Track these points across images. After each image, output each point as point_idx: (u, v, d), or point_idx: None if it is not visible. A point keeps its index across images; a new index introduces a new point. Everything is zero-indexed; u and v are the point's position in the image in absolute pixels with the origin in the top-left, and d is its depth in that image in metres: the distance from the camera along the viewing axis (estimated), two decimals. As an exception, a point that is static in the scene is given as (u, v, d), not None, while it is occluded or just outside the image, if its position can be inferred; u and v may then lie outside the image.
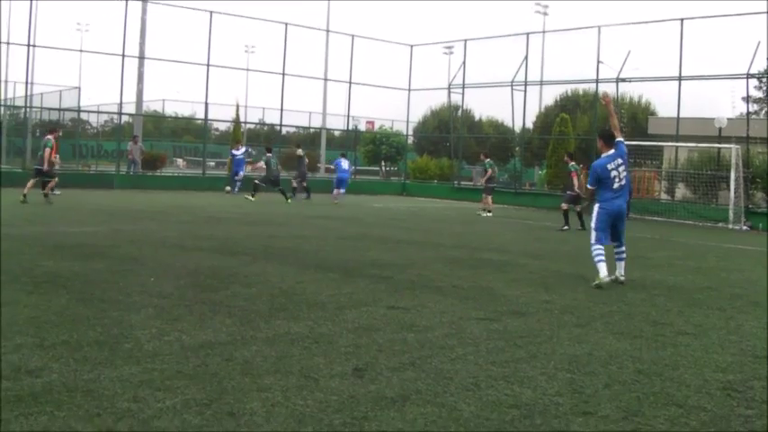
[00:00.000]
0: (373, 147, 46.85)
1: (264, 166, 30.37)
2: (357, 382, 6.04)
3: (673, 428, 5.41)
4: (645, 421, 5.51)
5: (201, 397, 5.47)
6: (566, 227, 23.11)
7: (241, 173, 34.16)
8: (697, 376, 6.84)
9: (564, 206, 23.75)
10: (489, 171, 29.85)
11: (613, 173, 12.12)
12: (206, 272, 11.19)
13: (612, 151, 12.35)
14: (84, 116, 44.03)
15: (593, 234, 12.22)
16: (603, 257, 11.84)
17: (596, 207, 12.26)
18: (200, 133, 43.60)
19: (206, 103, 37.97)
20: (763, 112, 59.12)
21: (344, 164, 33.18)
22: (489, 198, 29.17)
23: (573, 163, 24.40)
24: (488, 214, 28.29)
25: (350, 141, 45.19)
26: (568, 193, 24.10)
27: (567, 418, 5.47)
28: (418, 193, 40.45)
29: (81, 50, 36.60)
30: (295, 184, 33.35)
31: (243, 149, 35.36)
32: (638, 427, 5.38)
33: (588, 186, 12.39)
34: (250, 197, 28.50)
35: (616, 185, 12.14)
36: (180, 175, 39.44)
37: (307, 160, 34.19)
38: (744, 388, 6.53)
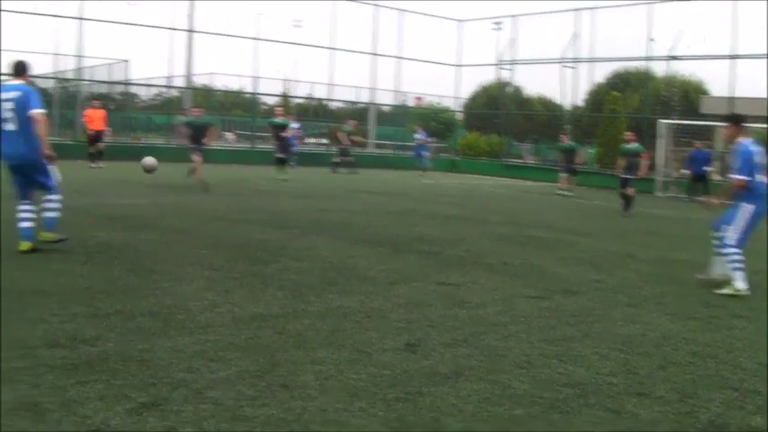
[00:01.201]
0: (422, 123, 46.66)
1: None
2: (410, 357, 6.04)
3: (728, 411, 5.35)
4: (700, 404, 5.46)
5: (255, 369, 5.49)
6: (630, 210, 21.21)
7: (293, 147, 34.42)
8: (752, 360, 6.76)
9: (632, 191, 21.39)
10: (581, 152, 29.99)
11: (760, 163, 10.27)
12: (256, 245, 11.22)
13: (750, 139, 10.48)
14: (133, 89, 44.19)
15: (734, 235, 10.11)
16: (743, 265, 10.07)
17: (745, 204, 10.14)
18: (248, 107, 43.64)
19: (255, 78, 38.04)
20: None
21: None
22: (573, 179, 28.92)
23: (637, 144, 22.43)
24: (570, 194, 27.76)
25: (398, 117, 45.09)
26: (630, 177, 21.52)
27: (621, 399, 5.43)
28: (467, 170, 40.23)
29: (130, 24, 36.68)
30: (337, 160, 33.50)
31: (297, 125, 35.45)
32: (693, 410, 5.33)
33: (739, 177, 10.08)
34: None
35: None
36: (229, 148, 39.52)
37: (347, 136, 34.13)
38: (801, 372, 6.44)
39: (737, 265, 9.95)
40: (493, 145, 42.93)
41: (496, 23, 46.24)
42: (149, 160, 16.46)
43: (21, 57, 10.56)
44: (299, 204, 17.64)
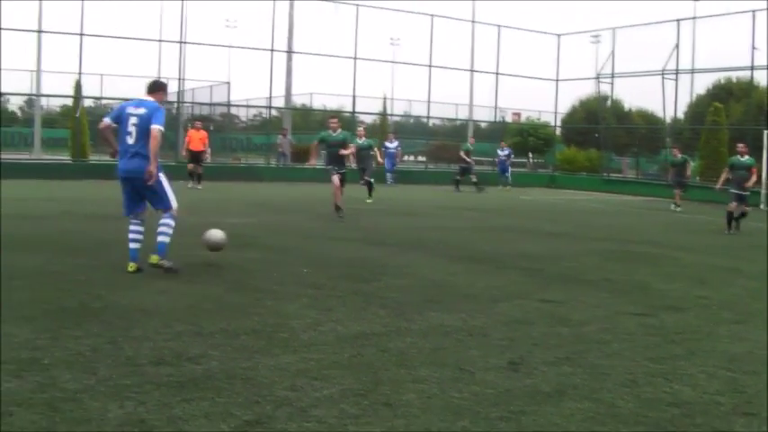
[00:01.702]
0: (520, 138, 46.41)
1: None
2: (513, 376, 6.01)
3: (843, 433, 5.21)
4: (813, 424, 5.32)
5: (358, 387, 5.53)
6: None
7: (393, 166, 34.54)
8: None
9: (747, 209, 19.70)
10: (690, 166, 29.08)
11: None
12: (356, 262, 11.32)
13: None
14: (233, 110, 45.01)
15: None
16: None
17: None
18: (347, 126, 44.13)
19: (353, 96, 38.36)
20: None
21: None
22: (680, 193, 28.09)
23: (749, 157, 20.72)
24: (679, 209, 27.16)
25: (497, 133, 44.96)
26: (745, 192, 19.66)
27: (729, 419, 5.32)
28: (566, 185, 39.91)
29: (230, 46, 37.40)
30: (475, 179, 33.82)
31: (396, 143, 35.61)
32: (805, 430, 5.19)
33: None
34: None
35: None
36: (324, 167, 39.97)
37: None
38: None
39: None
40: (592, 160, 42.54)
41: (595, 36, 45.94)
42: (217, 236, 10.98)
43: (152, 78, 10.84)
44: (398, 222, 17.73)
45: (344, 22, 37.23)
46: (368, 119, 44.02)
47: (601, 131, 41.70)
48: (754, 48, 33.62)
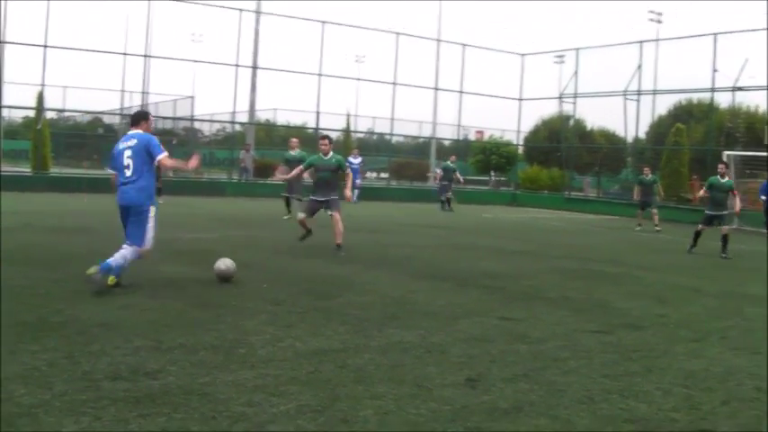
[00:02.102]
0: (483, 156, 46.60)
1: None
2: (470, 393, 6.03)
3: (795, 450, 5.28)
4: (766, 441, 5.39)
5: (315, 403, 5.53)
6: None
7: (357, 182, 34.26)
8: (819, 397, 6.65)
9: (727, 229, 18.88)
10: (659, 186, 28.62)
11: None
12: (319, 279, 11.31)
13: None
14: (197, 125, 44.88)
15: None
16: None
17: None
18: (310, 142, 44.10)
19: (317, 113, 38.41)
20: None
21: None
22: (642, 213, 27.78)
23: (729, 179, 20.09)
24: (639, 228, 26.93)
25: (460, 151, 45.14)
26: (721, 213, 19.12)
27: (685, 435, 5.38)
28: (528, 204, 40.12)
29: (195, 61, 37.32)
30: (448, 197, 33.39)
31: (360, 159, 35.37)
32: (758, 447, 5.26)
33: None
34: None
35: None
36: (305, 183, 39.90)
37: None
38: None
39: None
40: (554, 178, 42.81)
41: (559, 57, 46.33)
42: (226, 265, 10.80)
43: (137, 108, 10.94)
44: (362, 239, 17.70)
45: (310, 38, 37.32)
46: (332, 135, 44.03)
47: (563, 150, 42.00)
48: (714, 70, 34.04)
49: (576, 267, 14.77)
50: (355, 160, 34.18)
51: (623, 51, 38.67)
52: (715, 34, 33.92)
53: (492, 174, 51.46)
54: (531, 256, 16.36)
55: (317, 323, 8.28)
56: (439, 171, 34.36)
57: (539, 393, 6.13)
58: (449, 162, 34.28)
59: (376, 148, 51.48)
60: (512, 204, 40.38)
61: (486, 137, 50.84)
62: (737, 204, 19.88)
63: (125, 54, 35.12)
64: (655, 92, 38.54)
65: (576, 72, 40.35)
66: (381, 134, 47.91)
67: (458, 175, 34.10)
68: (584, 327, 8.95)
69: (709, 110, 37.21)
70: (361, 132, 51.99)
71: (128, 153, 10.01)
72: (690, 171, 36.59)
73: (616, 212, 35.22)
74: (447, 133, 46.44)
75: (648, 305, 10.83)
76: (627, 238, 24.06)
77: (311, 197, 15.64)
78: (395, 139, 46.31)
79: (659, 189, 28.72)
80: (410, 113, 50.13)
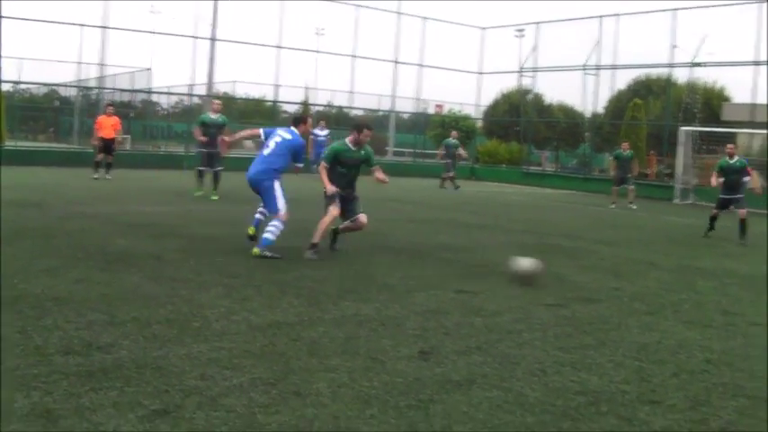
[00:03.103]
0: (442, 130, 46.60)
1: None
2: (423, 365, 6.06)
3: (740, 419, 5.37)
4: (712, 411, 5.47)
5: (268, 376, 5.52)
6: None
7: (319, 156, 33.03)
8: (765, 368, 6.74)
9: (744, 212, 17.74)
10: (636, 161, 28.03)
11: None
12: (275, 252, 11.25)
13: None
14: (154, 97, 44.49)
15: None
16: None
17: None
18: (269, 115, 43.83)
19: (276, 86, 38.21)
20: None
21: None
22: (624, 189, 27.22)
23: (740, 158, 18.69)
24: (634, 207, 26.25)
25: (419, 125, 45.15)
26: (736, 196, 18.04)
27: (633, 406, 5.45)
28: (487, 178, 40.17)
29: (153, 32, 36.97)
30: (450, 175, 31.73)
31: (326, 131, 34.23)
32: (704, 417, 5.34)
33: None
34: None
35: None
36: (249, 156, 39.69)
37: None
38: (816, 380, 6.43)
39: None
40: (513, 153, 42.91)
41: (519, 31, 46.30)
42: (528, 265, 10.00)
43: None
44: (320, 212, 17.63)
45: (269, 10, 37.08)
46: (290, 108, 43.85)
47: (522, 125, 42.11)
48: (674, 46, 34.22)
49: (533, 241, 14.85)
50: (321, 132, 33.53)
51: (583, 26, 38.77)
52: (674, 10, 34.11)
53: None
54: (488, 230, 16.41)
55: (272, 296, 8.27)
56: (441, 150, 32.75)
57: (492, 366, 6.17)
58: (450, 138, 32.62)
59: (335, 121, 51.29)
60: (470, 178, 40.40)
61: (445, 110, 50.80)
62: (756, 181, 18.95)
63: (82, 25, 34.71)
64: (614, 67, 38.70)
65: (535, 46, 40.44)
66: (340, 107, 47.68)
67: (461, 151, 32.47)
68: (539, 300, 9.00)
69: (667, 85, 37.43)
70: (321, 105, 51.75)
71: (278, 140, 11.66)
72: (647, 146, 36.83)
73: (573, 187, 35.45)
74: (406, 107, 46.39)
75: (603, 279, 10.93)
76: (584, 212, 24.23)
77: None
78: (354, 112, 46.01)
79: (635, 165, 28.24)
80: (369, 87, 49.97)
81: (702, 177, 32.83)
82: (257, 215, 11.97)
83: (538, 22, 40.50)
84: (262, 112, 51.26)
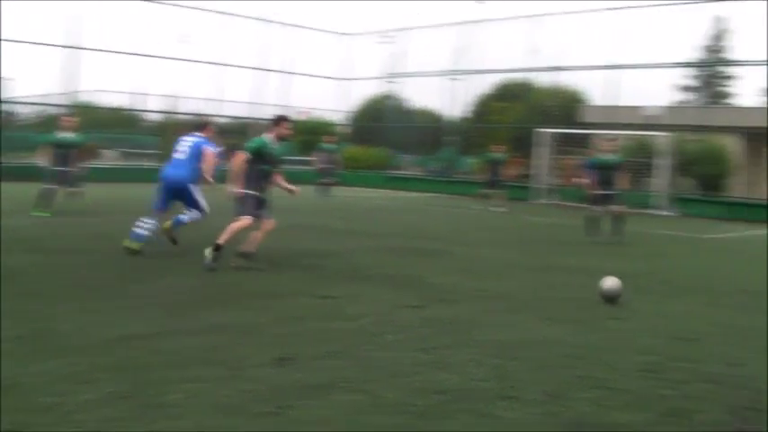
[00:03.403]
0: (308, 136, 46.51)
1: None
2: (283, 372, 6.02)
3: (596, 410, 5.49)
4: (568, 403, 5.59)
5: (124, 389, 5.40)
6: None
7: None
8: (623, 359, 6.95)
9: (620, 209, 17.61)
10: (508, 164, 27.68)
11: None
12: (137, 263, 11.06)
13: None
14: (16, 107, 43.20)
15: None
16: None
17: None
18: (130, 124, 43.07)
19: (142, 94, 37.55)
20: (694, 100, 60.09)
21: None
22: (500, 193, 27.01)
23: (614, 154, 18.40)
24: (504, 209, 26.20)
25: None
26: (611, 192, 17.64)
27: (491, 403, 5.52)
28: (352, 183, 40.26)
29: (10, 40, 35.91)
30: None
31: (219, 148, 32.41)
32: (561, 410, 5.44)
33: None
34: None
35: None
36: (114, 167, 38.87)
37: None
38: (665, 369, 6.67)
39: None
40: (378, 157, 43.10)
41: (385, 37, 46.55)
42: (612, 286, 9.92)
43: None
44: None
45: (133, 17, 36.42)
46: (155, 116, 43.17)
47: (387, 130, 42.37)
48: (535, 50, 34.97)
49: (396, 244, 14.95)
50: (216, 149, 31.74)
51: (447, 32, 39.28)
52: (534, 16, 34.86)
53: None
54: (352, 235, 16.44)
55: (131, 308, 8.10)
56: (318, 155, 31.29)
57: (352, 369, 6.17)
58: (327, 144, 31.94)
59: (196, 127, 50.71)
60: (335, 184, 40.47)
61: (312, 117, 50.74)
62: (623, 180, 18.19)
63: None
64: (477, 72, 39.30)
65: (400, 52, 40.75)
66: (208, 116, 47.16)
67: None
68: (401, 302, 9.06)
69: (528, 89, 38.21)
70: (188, 114, 51.06)
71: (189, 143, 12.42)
72: (511, 149, 37.52)
73: (437, 190, 35.83)
74: (273, 113, 46.21)
75: (465, 279, 11.07)
76: (448, 214, 24.50)
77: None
78: (222, 120, 45.56)
79: (506, 167, 27.89)
80: (236, 94, 49.49)
81: (563, 178, 33.68)
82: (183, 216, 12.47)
83: (402, 29, 40.85)
84: (122, 121, 50.30)
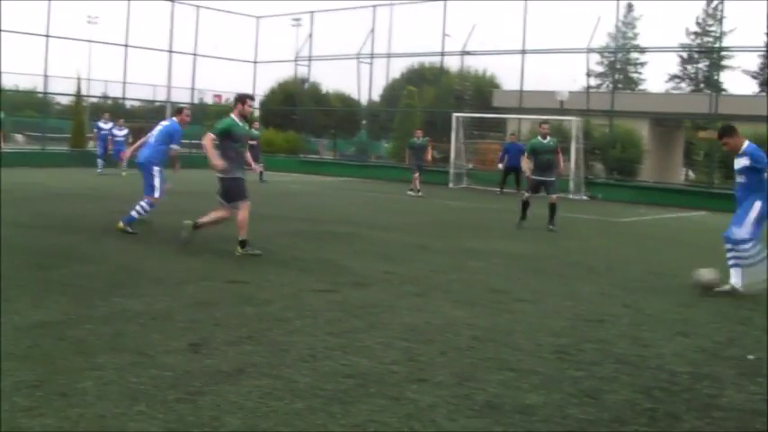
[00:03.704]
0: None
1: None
2: (193, 358, 6.02)
3: (505, 391, 5.59)
4: (478, 386, 5.68)
5: (32, 378, 5.35)
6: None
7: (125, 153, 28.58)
8: (531, 341, 7.08)
9: (556, 198, 17.33)
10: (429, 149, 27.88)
11: None
12: (43, 250, 10.91)
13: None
14: None
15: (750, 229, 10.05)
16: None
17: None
18: (41, 107, 42.17)
19: (45, 76, 36.78)
20: (603, 86, 61.13)
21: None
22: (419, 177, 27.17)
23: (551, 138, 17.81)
24: (420, 194, 26.31)
25: (196, 115, 44.52)
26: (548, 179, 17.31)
27: (401, 386, 5.59)
28: (267, 167, 40.15)
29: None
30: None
31: (125, 130, 31.46)
32: (471, 392, 5.53)
33: None
34: None
35: None
36: (20, 150, 38.07)
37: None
38: (575, 351, 6.81)
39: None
40: (290, 141, 42.99)
41: (295, 20, 46.35)
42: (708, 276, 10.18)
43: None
44: (95, 207, 17.20)
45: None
46: (63, 99, 42.38)
47: (298, 113, 42.29)
48: (445, 35, 35.15)
49: (308, 228, 14.97)
50: (120, 132, 30.99)
51: (358, 15, 39.24)
52: (446, 0, 35.00)
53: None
54: (264, 220, 16.33)
55: (37, 295, 7.99)
56: None
57: (262, 354, 6.20)
58: (253, 129, 29.92)
59: (112, 112, 49.95)
60: (247, 168, 40.21)
61: (223, 100, 50.35)
62: (561, 164, 17.93)
63: None
64: (389, 55, 39.37)
65: (310, 35, 40.64)
66: (115, 98, 46.41)
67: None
68: (311, 286, 9.11)
69: (439, 73, 38.43)
70: (95, 97, 50.27)
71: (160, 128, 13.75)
72: (423, 133, 37.77)
73: (350, 174, 35.89)
74: (182, 97, 45.61)
75: (376, 263, 11.15)
76: (360, 198, 24.57)
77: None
78: (129, 103, 44.94)
79: (428, 152, 28.31)
80: (144, 77, 48.89)
81: (476, 162, 34.03)
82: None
83: (312, 11, 40.71)
84: (33, 105, 49.33)
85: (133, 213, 12.94)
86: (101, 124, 30.60)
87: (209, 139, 11.22)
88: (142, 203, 13.12)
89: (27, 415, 4.71)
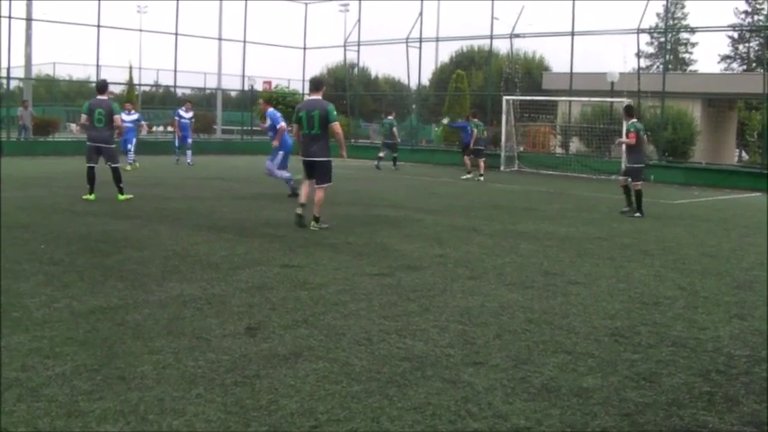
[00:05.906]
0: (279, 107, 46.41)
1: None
2: (249, 341, 6.06)
3: (561, 374, 5.57)
4: (534, 368, 5.66)
5: (92, 362, 5.42)
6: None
7: (129, 145, 26.95)
8: (586, 324, 7.05)
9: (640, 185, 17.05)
10: (475, 132, 27.15)
11: None
12: (98, 236, 11.03)
13: None
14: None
15: None
16: None
17: None
18: (94, 96, 42.58)
19: (98, 66, 37.13)
20: (654, 66, 60.55)
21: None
22: (482, 161, 26.92)
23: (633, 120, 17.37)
24: (481, 178, 26.18)
25: (246, 101, 44.73)
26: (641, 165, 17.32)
27: (457, 369, 5.59)
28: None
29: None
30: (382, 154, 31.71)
31: (135, 115, 31.24)
32: (527, 375, 5.52)
33: None
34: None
35: None
36: (73, 140, 38.49)
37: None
38: (630, 333, 6.76)
39: None
40: (341, 126, 43.02)
41: (343, 5, 46.46)
42: None
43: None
44: (144, 193, 17.34)
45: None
46: (116, 89, 42.73)
47: (348, 98, 42.31)
48: (494, 18, 34.96)
49: (358, 213, 14.99)
50: (187, 114, 31.14)
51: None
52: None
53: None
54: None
55: (95, 281, 8.10)
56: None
57: (318, 338, 6.22)
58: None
59: (162, 101, 50.42)
60: (296, 154, 40.35)
61: (272, 86, 50.56)
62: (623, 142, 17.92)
63: None
64: (437, 39, 39.29)
65: (359, 20, 40.63)
66: (167, 87, 46.79)
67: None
68: (364, 270, 9.13)
69: (488, 56, 38.24)
70: (147, 85, 50.79)
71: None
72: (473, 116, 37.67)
73: (401, 158, 35.79)
74: (233, 84, 45.89)
75: (428, 247, 11.13)
76: (411, 182, 24.51)
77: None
78: (180, 91, 45.30)
79: (484, 136, 28.03)
80: (195, 65, 49.29)
81: (527, 144, 33.86)
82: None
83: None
84: (86, 94, 49.82)
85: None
86: (181, 112, 30.56)
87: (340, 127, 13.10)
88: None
89: (87, 398, 4.77)
